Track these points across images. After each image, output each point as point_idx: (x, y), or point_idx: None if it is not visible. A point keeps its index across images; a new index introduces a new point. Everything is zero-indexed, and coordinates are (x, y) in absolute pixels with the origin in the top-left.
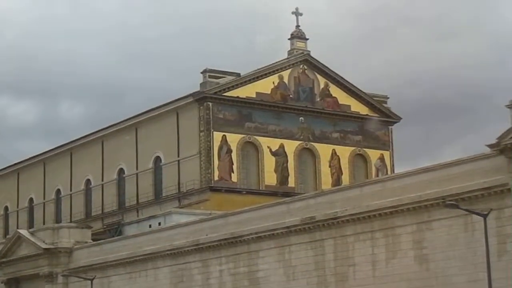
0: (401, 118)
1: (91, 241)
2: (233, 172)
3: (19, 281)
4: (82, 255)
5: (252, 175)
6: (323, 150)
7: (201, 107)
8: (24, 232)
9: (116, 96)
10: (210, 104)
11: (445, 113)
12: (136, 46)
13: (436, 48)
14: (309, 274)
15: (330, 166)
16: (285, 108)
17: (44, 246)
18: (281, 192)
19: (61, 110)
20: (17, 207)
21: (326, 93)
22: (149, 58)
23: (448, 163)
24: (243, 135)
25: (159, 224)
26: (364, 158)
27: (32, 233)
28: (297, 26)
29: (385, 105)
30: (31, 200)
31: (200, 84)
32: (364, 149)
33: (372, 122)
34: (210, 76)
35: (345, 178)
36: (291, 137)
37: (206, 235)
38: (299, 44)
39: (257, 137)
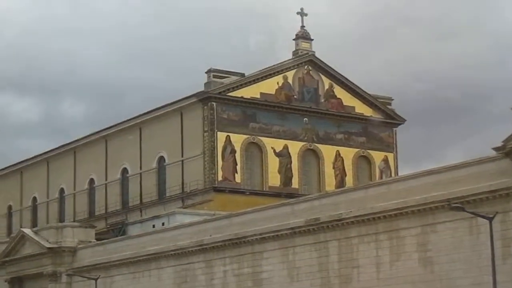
0: (405, 120)
1: (94, 240)
2: (236, 172)
3: (23, 280)
4: (86, 255)
5: (256, 176)
6: (327, 152)
7: (205, 107)
8: (27, 231)
9: (117, 94)
10: (214, 104)
11: (447, 114)
12: (136, 45)
13: (437, 48)
14: (313, 275)
15: (334, 168)
16: (289, 108)
17: (48, 245)
18: (285, 193)
19: (63, 108)
20: (21, 206)
21: (330, 94)
22: (149, 57)
23: (454, 166)
24: (247, 136)
25: (163, 224)
26: (368, 160)
27: (35, 232)
28: (302, 26)
29: (389, 106)
30: (34, 199)
31: (204, 84)
32: (368, 150)
33: (374, 122)
34: (214, 76)
35: (349, 180)
36: (295, 138)
37: (210, 235)
38: (304, 44)
39: (261, 138)
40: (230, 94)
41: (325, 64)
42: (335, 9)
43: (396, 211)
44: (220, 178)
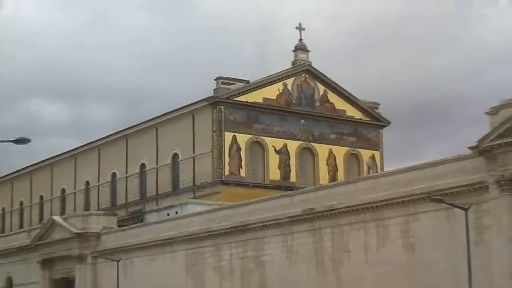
0: (390, 122)
1: (116, 227)
2: (241, 168)
3: (53, 262)
4: (109, 239)
5: (259, 170)
6: (321, 150)
7: (214, 110)
8: (57, 218)
9: (136, 99)
10: (222, 107)
11: (427, 118)
12: (154, 57)
13: (421, 61)
14: (309, 258)
15: (327, 164)
16: (289, 112)
17: (75, 230)
18: (284, 186)
19: (89, 111)
20: (51, 196)
21: (325, 99)
22: (165, 67)
23: (434, 162)
24: (251, 135)
25: (176, 213)
26: (357, 157)
27: (64, 219)
28: (300, 39)
29: (376, 110)
30: (63, 190)
31: (214, 90)
32: (357, 149)
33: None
34: (222, 83)
35: (340, 175)
36: (293, 137)
37: (218, 223)
38: (302, 55)
39: (263, 137)
40: (236, 98)
41: (320, 73)
42: (329, 25)
43: (382, 202)
44: (227, 173)
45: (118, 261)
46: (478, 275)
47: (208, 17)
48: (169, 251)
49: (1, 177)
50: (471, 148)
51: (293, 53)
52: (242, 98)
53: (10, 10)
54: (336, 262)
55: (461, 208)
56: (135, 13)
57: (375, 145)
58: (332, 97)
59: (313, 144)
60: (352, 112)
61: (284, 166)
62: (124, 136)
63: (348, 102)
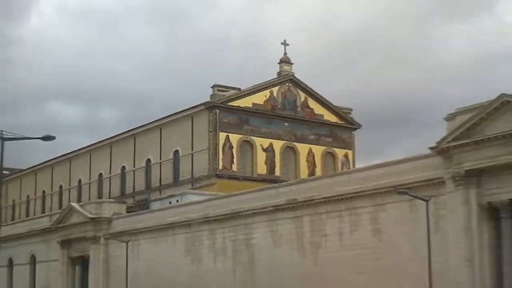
0: (361, 125)
1: (125, 213)
2: (233, 163)
3: (70, 242)
4: (119, 223)
5: (248, 165)
6: (302, 149)
7: (210, 113)
8: (75, 205)
9: (143, 103)
10: (217, 111)
11: (393, 122)
12: (158, 65)
13: (390, 72)
14: (291, 242)
15: (307, 161)
16: (274, 115)
17: (90, 215)
18: (270, 179)
19: (101, 113)
20: (69, 186)
21: (305, 105)
22: (168, 74)
23: (399, 160)
24: (242, 135)
25: (177, 201)
26: (332, 155)
27: (81, 206)
28: (285, 53)
29: (349, 115)
30: (80, 181)
31: (210, 95)
32: (333, 148)
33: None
34: (217, 90)
35: (318, 170)
36: (278, 137)
37: (213, 210)
38: (286, 67)
39: (252, 137)
40: (229, 103)
41: (302, 82)
42: (311, 41)
43: (355, 194)
44: (220, 167)
45: (127, 242)
46: (437, 258)
47: (206, 32)
48: (171, 234)
49: (26, 169)
50: (431, 148)
51: (278, 65)
52: (234, 103)
53: (35, 23)
54: (314, 245)
55: (422, 199)
56: (141, 27)
57: (348, 145)
58: (312, 103)
59: (295, 143)
60: (328, 116)
61: (270, 162)
62: (132, 135)
63: (325, 108)
